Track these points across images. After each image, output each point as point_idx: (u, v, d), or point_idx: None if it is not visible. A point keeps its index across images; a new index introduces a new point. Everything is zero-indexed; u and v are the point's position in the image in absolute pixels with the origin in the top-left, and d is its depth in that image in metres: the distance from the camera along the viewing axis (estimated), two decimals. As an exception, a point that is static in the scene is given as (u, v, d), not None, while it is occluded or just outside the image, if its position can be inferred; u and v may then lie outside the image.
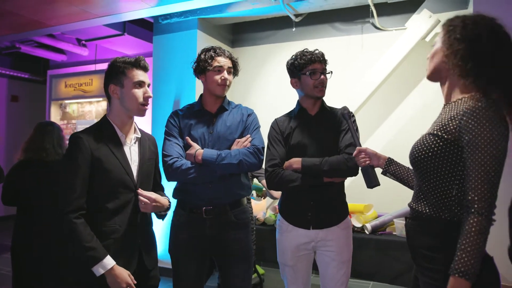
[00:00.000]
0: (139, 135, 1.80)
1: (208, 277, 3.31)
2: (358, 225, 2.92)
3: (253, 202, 3.40)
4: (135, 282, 1.63)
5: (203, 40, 4.14)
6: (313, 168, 1.89)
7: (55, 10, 3.69)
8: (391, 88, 3.86)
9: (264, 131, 2.08)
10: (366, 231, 2.88)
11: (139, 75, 1.72)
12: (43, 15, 3.80)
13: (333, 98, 2.04)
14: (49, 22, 3.98)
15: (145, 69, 1.75)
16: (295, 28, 4.11)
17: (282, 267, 2.06)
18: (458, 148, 1.23)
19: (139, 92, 1.71)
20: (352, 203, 3.12)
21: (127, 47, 5.19)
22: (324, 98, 2.08)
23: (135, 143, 1.78)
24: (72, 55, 5.91)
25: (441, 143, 1.26)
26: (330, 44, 4.11)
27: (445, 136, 1.25)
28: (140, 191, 1.69)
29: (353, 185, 3.05)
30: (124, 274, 1.59)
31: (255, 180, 3.18)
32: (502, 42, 1.24)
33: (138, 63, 1.72)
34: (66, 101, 5.71)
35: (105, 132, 1.69)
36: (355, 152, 1.73)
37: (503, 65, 1.23)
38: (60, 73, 5.86)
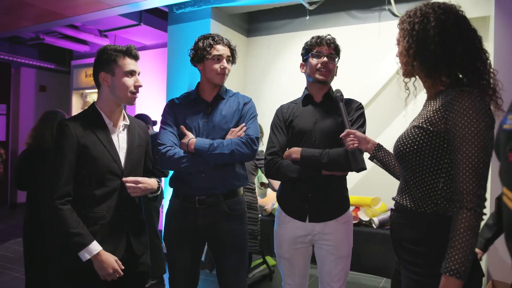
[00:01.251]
0: (128, 122, 1.80)
1: (214, 266, 3.33)
2: (366, 218, 2.85)
3: (259, 194, 3.37)
4: (123, 267, 1.64)
5: (217, 30, 4.11)
6: (312, 159, 1.84)
7: (70, 1, 3.76)
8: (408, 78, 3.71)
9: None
10: (373, 225, 2.81)
11: (130, 64, 1.72)
12: (59, 6, 3.88)
13: (349, 88, 1.98)
14: (66, 12, 4.06)
15: (136, 58, 1.75)
16: (309, 17, 4.02)
17: (279, 259, 2.03)
18: (444, 140, 1.20)
19: (130, 81, 1.71)
20: (361, 196, 3.05)
21: (144, 37, 5.25)
22: (339, 87, 2.02)
23: (123, 130, 1.78)
24: (94, 45, 6.04)
25: (426, 136, 1.22)
26: (346, 32, 3.99)
27: (431, 129, 1.21)
28: (124, 179, 1.70)
29: (363, 178, 2.97)
30: (111, 259, 1.61)
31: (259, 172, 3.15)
32: (450, 33, 1.20)
33: (129, 52, 1.72)
34: (87, 91, 5.85)
35: (93, 119, 1.70)
36: (343, 134, 1.70)
37: (456, 58, 1.21)
38: (81, 64, 6.01)
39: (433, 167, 1.22)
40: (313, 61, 1.92)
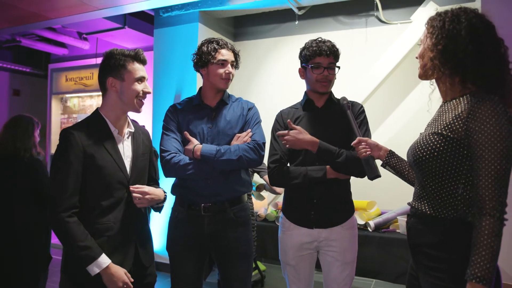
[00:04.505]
0: (132, 130, 1.75)
1: (208, 274, 3.28)
2: (361, 222, 2.87)
3: (254, 199, 3.35)
4: (132, 280, 1.58)
5: (205, 34, 4.08)
6: (328, 154, 1.80)
7: (53, 2, 3.64)
8: (396, 83, 3.79)
9: (266, 126, 2.02)
10: (369, 228, 2.83)
11: (140, 69, 1.66)
12: (42, 7, 3.75)
13: (337, 93, 1.98)
14: (48, 14, 3.93)
15: (144, 62, 1.70)
16: (298, 22, 4.04)
17: (284, 266, 2.01)
18: (464, 147, 1.21)
19: (139, 87, 1.66)
20: (355, 199, 3.07)
21: (128, 40, 5.14)
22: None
23: (128, 138, 1.72)
24: (73, 48, 5.87)
25: (446, 143, 1.23)
26: (334, 37, 3.94)
27: (451, 135, 1.22)
28: (131, 187, 1.64)
29: (357, 181, 2.98)
30: (120, 272, 1.55)
31: (256, 176, 3.13)
32: (481, 36, 1.22)
33: (138, 57, 1.67)
34: (67, 95, 5.66)
35: (98, 127, 1.63)
36: (355, 141, 1.67)
37: (485, 60, 1.21)
38: (60, 67, 5.82)
39: (452, 173, 1.23)
40: (313, 73, 1.88)
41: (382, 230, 2.83)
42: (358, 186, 2.78)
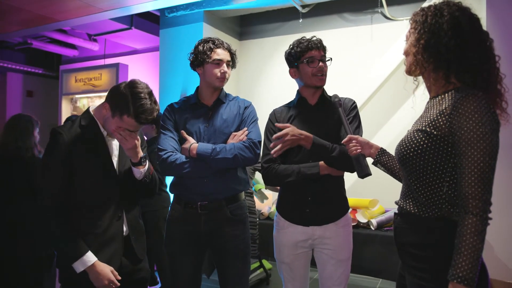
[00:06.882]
0: None
1: (212, 271, 3.30)
2: (364, 220, 2.86)
3: (257, 200, 3.36)
4: (119, 278, 1.60)
5: (210, 33, 4.10)
6: (322, 149, 1.80)
7: (60, 5, 3.71)
8: (401, 80, 3.74)
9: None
10: (371, 226, 2.82)
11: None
12: (49, 10, 3.82)
13: (341, 90, 1.95)
14: (56, 16, 4.00)
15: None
16: (302, 20, 4.03)
17: (279, 264, 2.02)
18: (448, 144, 1.18)
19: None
20: (357, 198, 3.05)
21: (135, 41, 5.20)
22: (332, 89, 2.00)
23: None
24: (84, 50, 5.97)
25: (430, 140, 1.20)
26: (339, 35, 4.01)
27: (434, 132, 1.19)
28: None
29: (359, 179, 2.98)
30: (106, 270, 1.56)
31: (258, 175, 3.13)
32: (464, 29, 1.19)
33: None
34: (77, 96, 5.76)
35: (87, 127, 1.64)
36: (345, 139, 1.66)
37: (468, 54, 1.18)
38: (70, 68, 5.92)
39: (437, 171, 1.21)
40: (308, 67, 1.89)
41: (385, 228, 2.81)
42: (361, 184, 2.77)
